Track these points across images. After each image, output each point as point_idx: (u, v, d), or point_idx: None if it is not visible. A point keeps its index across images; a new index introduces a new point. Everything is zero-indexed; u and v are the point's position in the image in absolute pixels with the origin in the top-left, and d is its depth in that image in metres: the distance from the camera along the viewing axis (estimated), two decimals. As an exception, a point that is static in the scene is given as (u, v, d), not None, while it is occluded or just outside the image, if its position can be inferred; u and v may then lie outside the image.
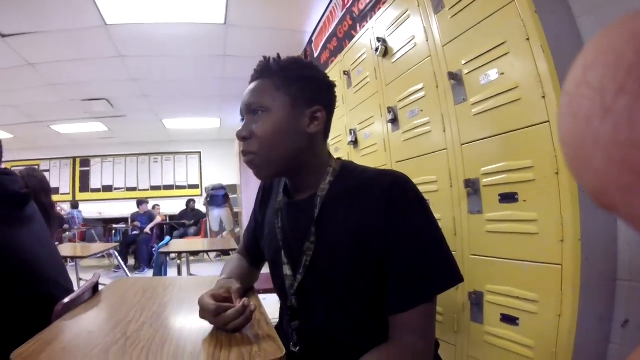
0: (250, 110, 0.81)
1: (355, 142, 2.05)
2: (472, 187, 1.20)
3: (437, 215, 1.33)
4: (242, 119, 0.84)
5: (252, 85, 0.83)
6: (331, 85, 0.87)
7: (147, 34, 3.65)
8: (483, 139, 1.18)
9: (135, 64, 4.47)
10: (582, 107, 0.17)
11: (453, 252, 1.28)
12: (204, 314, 0.80)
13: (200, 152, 9.22)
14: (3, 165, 1.28)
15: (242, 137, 0.80)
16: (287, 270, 0.84)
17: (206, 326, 0.82)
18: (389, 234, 0.73)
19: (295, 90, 0.80)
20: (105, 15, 3.24)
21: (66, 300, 1.05)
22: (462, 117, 1.26)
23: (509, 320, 1.10)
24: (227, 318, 0.77)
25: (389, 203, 0.74)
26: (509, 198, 1.08)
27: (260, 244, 0.99)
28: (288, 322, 0.85)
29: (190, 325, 0.89)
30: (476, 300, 1.21)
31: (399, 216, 0.73)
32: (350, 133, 2.08)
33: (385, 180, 0.76)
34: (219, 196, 6.66)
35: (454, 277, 0.76)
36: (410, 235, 0.73)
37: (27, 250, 1.16)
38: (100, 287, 1.32)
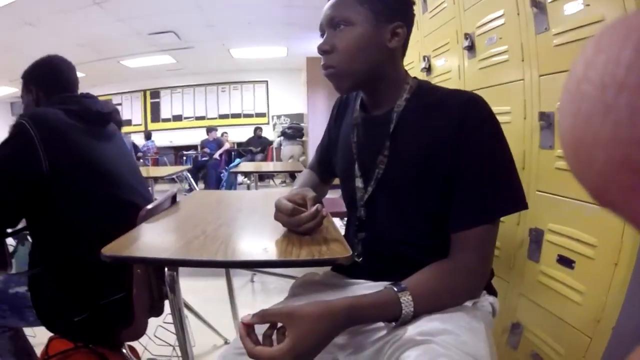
0: (332, 24, 0.85)
1: (428, 69, 2.03)
2: (547, 120, 1.19)
3: (506, 148, 1.36)
4: (322, 34, 0.88)
5: None
6: (412, 3, 0.89)
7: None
8: (563, 71, 1.13)
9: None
10: (583, 106, 0.17)
11: (519, 187, 1.30)
12: (280, 214, 0.90)
13: (267, 81, 9.42)
14: None
15: (324, 50, 0.86)
16: (358, 183, 0.93)
17: (279, 228, 0.93)
18: (459, 151, 0.78)
19: (378, 5, 0.83)
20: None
21: (150, 206, 1.21)
22: (542, 47, 1.21)
23: (565, 262, 1.13)
24: (301, 219, 0.87)
25: (462, 120, 0.78)
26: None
27: (333, 159, 1.07)
28: (355, 232, 0.94)
29: (264, 227, 1.01)
30: (536, 238, 1.24)
31: (471, 134, 0.78)
32: (424, 60, 2.05)
33: (460, 98, 0.81)
34: (293, 134, 6.87)
35: (518, 202, 0.80)
36: (480, 155, 0.78)
37: (109, 161, 1.32)
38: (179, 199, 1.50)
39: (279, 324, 0.67)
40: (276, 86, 9.40)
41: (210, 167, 7.10)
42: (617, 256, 0.96)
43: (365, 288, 0.88)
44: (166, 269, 0.94)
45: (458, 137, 0.78)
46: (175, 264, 0.92)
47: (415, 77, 0.92)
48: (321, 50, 0.86)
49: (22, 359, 1.30)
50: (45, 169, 1.14)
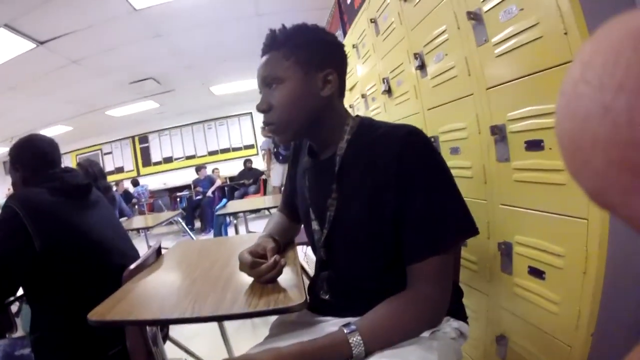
0: (265, 84, 0.89)
1: (389, 91, 2.05)
2: (499, 133, 1.19)
3: (467, 164, 1.37)
4: (260, 92, 0.92)
5: (263, 59, 0.90)
6: (339, 46, 0.92)
7: (176, 9, 3.79)
8: (507, 82, 1.14)
9: (172, 39, 4.67)
10: (581, 107, 0.17)
11: (483, 202, 1.31)
12: (242, 266, 0.96)
13: (251, 113, 9.49)
14: (69, 157, 1.55)
15: (262, 110, 0.90)
16: (315, 226, 0.96)
17: (247, 279, 0.99)
18: (402, 187, 0.79)
19: (304, 56, 0.86)
20: (133, 1, 3.43)
21: (132, 266, 1.29)
22: (485, 59, 1.22)
23: (536, 273, 1.12)
24: (260, 271, 0.93)
25: (401, 157, 0.79)
26: (535, 145, 1.06)
27: (295, 201, 1.11)
28: (319, 272, 0.98)
29: (233, 278, 1.07)
30: (506, 251, 1.23)
31: (412, 167, 0.79)
32: (384, 82, 2.06)
33: (397, 133, 0.82)
34: (285, 154, 6.88)
35: (467, 228, 0.81)
36: (423, 187, 0.78)
37: (96, 230, 1.42)
38: (164, 251, 1.58)
39: None
40: (260, 117, 9.43)
41: (205, 205, 7.10)
42: (584, 265, 0.95)
43: (332, 325, 0.91)
44: (147, 326, 1.06)
45: (399, 174, 0.79)
46: (150, 324, 1.05)
47: (357, 116, 0.94)
48: (259, 110, 0.90)
49: None
50: (37, 248, 1.23)
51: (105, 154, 9.78)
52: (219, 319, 1.18)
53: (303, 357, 0.72)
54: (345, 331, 0.75)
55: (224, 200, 6.46)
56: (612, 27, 0.17)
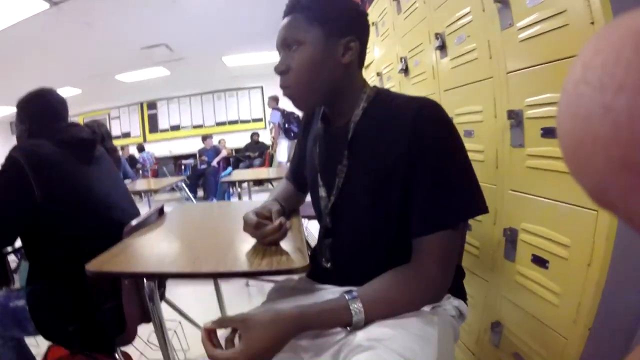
0: (285, 46, 0.87)
1: (405, 70, 2.01)
2: (516, 118, 1.17)
3: (480, 147, 1.35)
4: (280, 54, 0.90)
5: (285, 20, 0.88)
6: (363, 15, 0.90)
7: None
8: (529, 67, 1.11)
9: (188, 6, 4.59)
10: (582, 107, 0.17)
11: (493, 186, 1.29)
12: (247, 227, 0.96)
13: (262, 87, 9.42)
14: (76, 120, 1.54)
15: (280, 71, 0.87)
16: (322, 192, 0.95)
17: (250, 241, 0.99)
18: (414, 159, 0.77)
19: (328, 21, 0.83)
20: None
21: (134, 222, 1.30)
22: (508, 43, 1.18)
23: (539, 262, 1.10)
24: (265, 232, 0.93)
25: (416, 127, 0.77)
26: (551, 133, 1.04)
27: (304, 169, 1.09)
28: (322, 239, 0.96)
29: (237, 239, 1.07)
30: (511, 238, 1.21)
31: (425, 141, 0.77)
32: (401, 61, 2.03)
33: (414, 106, 0.80)
34: (292, 129, 6.75)
35: (477, 206, 0.79)
36: (436, 161, 0.77)
37: (98, 185, 1.41)
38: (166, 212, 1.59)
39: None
40: (272, 91, 9.38)
41: (209, 174, 7.11)
42: (589, 257, 0.93)
43: (331, 293, 0.91)
44: (145, 280, 1.04)
45: (412, 145, 0.77)
46: (147, 277, 1.02)
47: (375, 86, 0.92)
48: (277, 71, 0.88)
49: None
50: (38, 199, 1.23)
51: (113, 118, 9.76)
52: (219, 275, 1.19)
53: (302, 320, 0.72)
54: (347, 297, 0.75)
55: (229, 168, 6.45)
56: (613, 28, 0.17)
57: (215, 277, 1.17)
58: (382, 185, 0.82)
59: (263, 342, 0.69)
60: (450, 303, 0.87)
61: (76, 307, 1.30)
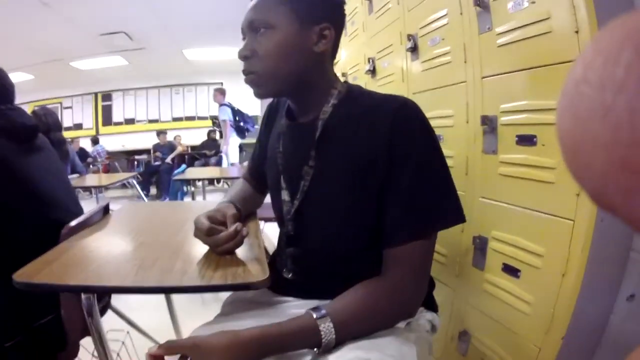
0: (252, 28, 0.77)
1: (373, 71, 1.98)
2: (489, 124, 1.14)
3: (449, 153, 1.31)
4: (244, 38, 0.81)
5: (254, 1, 0.78)
6: (340, 2, 0.81)
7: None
8: (506, 73, 1.09)
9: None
10: (582, 107, 0.17)
11: (461, 194, 1.25)
12: (198, 232, 0.84)
13: (222, 83, 9.16)
14: (26, 108, 1.35)
15: (243, 56, 0.78)
16: (285, 196, 0.85)
17: (201, 248, 0.87)
18: (391, 162, 0.71)
19: (303, 5, 0.75)
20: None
21: (73, 223, 1.14)
22: (485, 47, 1.16)
23: (511, 271, 1.08)
24: (218, 240, 0.81)
25: (394, 129, 0.71)
26: (527, 140, 1.02)
27: (264, 168, 0.99)
28: (284, 248, 0.87)
29: (187, 245, 0.95)
30: (480, 245, 1.19)
31: (404, 143, 0.71)
32: (369, 62, 1.99)
33: (391, 105, 0.73)
34: (247, 128, 6.44)
35: (456, 215, 0.74)
36: (414, 165, 0.71)
37: (37, 179, 1.24)
38: (112, 212, 1.43)
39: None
40: (232, 88, 9.19)
41: (163, 171, 6.81)
42: (564, 266, 0.92)
43: (293, 307, 0.83)
44: (82, 293, 0.91)
45: (389, 148, 0.71)
46: (82, 291, 0.88)
47: (345, 82, 0.85)
48: (241, 55, 0.78)
49: None
50: None
51: (65, 108, 9.19)
52: (165, 290, 1.06)
53: (264, 343, 0.64)
54: (315, 316, 0.67)
55: (183, 166, 6.17)
56: (614, 27, 0.17)
57: (160, 292, 1.00)
58: (354, 190, 0.75)
59: None
60: (424, 317, 0.82)
61: (12, 321, 1.14)
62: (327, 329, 0.66)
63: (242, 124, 5.97)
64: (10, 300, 1.12)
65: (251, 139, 7.07)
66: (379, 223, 0.74)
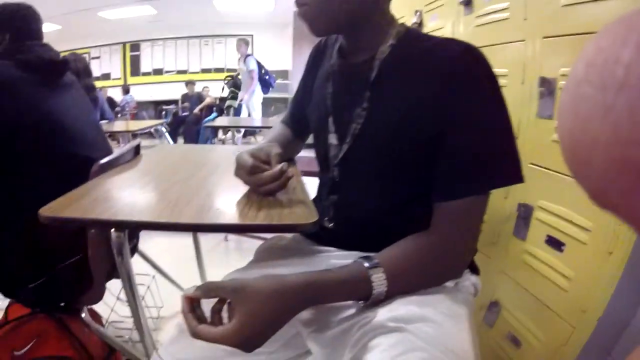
0: None
1: (419, 25, 1.88)
2: (547, 87, 1.06)
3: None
4: None
5: None
6: None
7: None
8: (570, 34, 1.00)
9: None
10: (582, 106, 0.17)
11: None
12: (239, 170, 0.80)
13: (252, 35, 9.00)
14: None
15: None
16: (332, 139, 0.80)
17: (241, 187, 0.83)
18: (450, 110, 0.65)
19: None
20: None
21: (103, 161, 1.11)
22: (549, 5, 1.06)
23: (554, 243, 1.03)
24: (261, 179, 0.77)
25: (456, 74, 0.64)
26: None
27: (307, 111, 0.93)
28: (326, 195, 0.83)
29: (224, 185, 0.92)
30: (524, 214, 1.13)
31: (466, 90, 0.64)
32: (416, 14, 1.89)
33: (454, 48, 0.66)
34: (270, 83, 6.30)
35: (514, 174, 0.68)
36: (475, 115, 0.65)
37: (66, 113, 1.22)
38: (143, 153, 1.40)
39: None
40: (261, 41, 9.01)
41: (191, 122, 6.83)
42: (612, 244, 0.86)
43: (334, 257, 0.79)
44: (112, 230, 0.86)
45: (450, 94, 0.65)
46: (114, 226, 0.84)
47: (404, 24, 0.77)
48: None
49: None
50: None
51: (93, 58, 9.17)
52: (204, 228, 1.01)
53: (312, 291, 0.60)
54: (366, 265, 0.63)
55: (214, 113, 6.09)
56: (615, 26, 0.17)
57: (198, 230, 0.96)
58: (408, 136, 0.69)
59: (263, 320, 0.56)
60: (469, 279, 0.78)
61: (37, 261, 1.15)
62: (378, 279, 0.62)
63: (267, 77, 5.85)
64: (35, 240, 1.12)
65: (274, 94, 6.95)
66: (432, 174, 0.68)
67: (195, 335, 0.56)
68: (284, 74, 7.88)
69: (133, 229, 1.26)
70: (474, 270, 0.82)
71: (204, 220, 0.72)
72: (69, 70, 1.33)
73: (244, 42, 5.79)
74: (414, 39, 0.73)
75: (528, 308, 1.12)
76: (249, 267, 0.86)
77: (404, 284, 0.65)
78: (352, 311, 0.68)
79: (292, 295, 0.58)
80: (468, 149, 0.65)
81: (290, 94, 7.32)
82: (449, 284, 0.71)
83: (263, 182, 0.77)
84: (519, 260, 1.15)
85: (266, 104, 6.63)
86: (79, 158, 1.19)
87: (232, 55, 9.11)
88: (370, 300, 0.64)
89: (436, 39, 0.72)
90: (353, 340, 0.63)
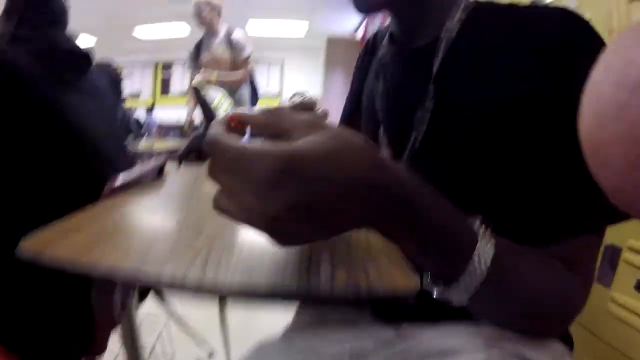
0: None
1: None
2: None
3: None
4: None
5: None
6: None
7: None
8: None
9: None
10: (600, 106, 0.19)
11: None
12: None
13: (284, 58, 9.21)
14: None
15: None
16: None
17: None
18: (557, 107, 0.46)
19: None
20: None
21: (118, 182, 0.89)
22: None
23: (646, 289, 0.89)
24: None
25: (560, 55, 0.47)
26: None
27: (360, 122, 0.76)
28: None
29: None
30: (610, 256, 0.99)
31: (577, 77, 0.44)
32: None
33: (551, 19, 0.49)
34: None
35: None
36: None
37: (83, 121, 1.07)
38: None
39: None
40: (292, 66, 9.18)
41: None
42: None
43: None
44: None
45: (554, 84, 0.46)
46: (112, 280, 0.64)
47: None
48: None
49: None
50: None
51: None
52: (254, 293, 0.48)
53: (405, 193, 0.35)
54: (476, 225, 0.41)
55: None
56: (630, 31, 0.19)
57: (247, 295, 0.58)
58: (494, 141, 0.50)
59: (349, 180, 0.31)
60: (555, 350, 0.56)
61: (32, 307, 0.98)
62: (484, 249, 0.39)
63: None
64: (32, 280, 0.95)
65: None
66: (525, 200, 0.50)
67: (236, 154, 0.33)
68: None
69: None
70: (566, 339, 0.61)
71: (252, 278, 0.43)
72: (94, 69, 1.20)
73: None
74: (490, 11, 0.56)
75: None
76: (286, 338, 0.68)
77: (511, 286, 0.44)
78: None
79: (392, 179, 0.34)
80: (581, 167, 0.47)
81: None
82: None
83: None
84: (602, 310, 1.00)
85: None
86: (93, 172, 1.04)
87: (261, 80, 9.32)
88: (460, 281, 0.39)
89: (520, 8, 0.54)
90: None
